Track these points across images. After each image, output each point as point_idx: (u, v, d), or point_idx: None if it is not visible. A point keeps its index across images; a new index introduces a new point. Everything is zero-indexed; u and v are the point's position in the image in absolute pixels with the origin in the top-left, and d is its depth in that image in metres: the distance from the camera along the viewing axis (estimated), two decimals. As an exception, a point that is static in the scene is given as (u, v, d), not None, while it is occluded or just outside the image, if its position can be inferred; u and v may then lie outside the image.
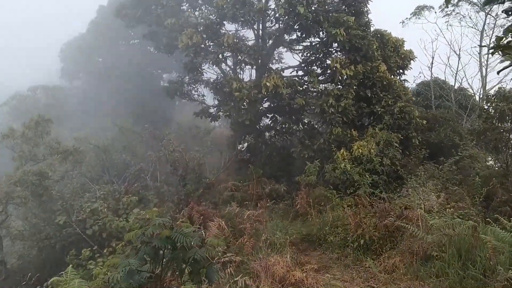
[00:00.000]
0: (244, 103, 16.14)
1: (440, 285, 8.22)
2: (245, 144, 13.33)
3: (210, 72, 20.85)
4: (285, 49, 21.91)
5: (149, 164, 17.78)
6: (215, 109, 19.35)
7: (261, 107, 18.77)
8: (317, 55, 18.35)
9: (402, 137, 16.90)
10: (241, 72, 18.58)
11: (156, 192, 14.00)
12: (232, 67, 19.77)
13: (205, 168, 16.54)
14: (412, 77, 26.27)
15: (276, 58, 23.95)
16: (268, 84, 15.66)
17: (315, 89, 17.62)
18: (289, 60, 23.02)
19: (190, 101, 21.90)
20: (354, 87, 17.35)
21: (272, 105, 18.91)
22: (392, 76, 18.47)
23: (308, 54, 18.67)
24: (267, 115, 19.33)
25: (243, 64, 18.34)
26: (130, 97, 30.82)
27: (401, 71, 19.99)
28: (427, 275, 8.73)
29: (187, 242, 4.76)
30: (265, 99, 17.25)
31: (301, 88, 17.61)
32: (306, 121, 18.78)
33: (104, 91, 33.97)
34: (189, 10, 20.92)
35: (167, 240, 4.77)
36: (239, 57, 17.83)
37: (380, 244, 10.87)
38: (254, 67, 18.76)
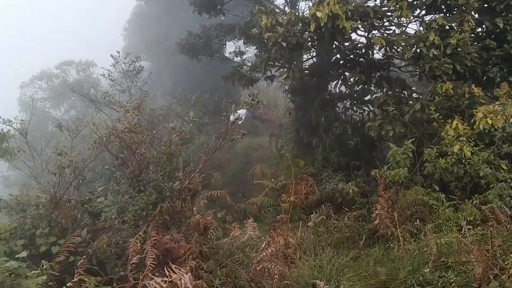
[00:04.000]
0: (283, 51, 9.84)
1: None
2: (239, 113, 7.18)
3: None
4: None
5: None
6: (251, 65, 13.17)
7: (310, 54, 12.30)
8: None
9: None
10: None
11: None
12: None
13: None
14: None
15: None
16: (319, 14, 9.18)
17: (404, 22, 10.69)
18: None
19: (222, 61, 15.83)
20: (474, 14, 10.11)
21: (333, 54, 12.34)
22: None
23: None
24: (332, 72, 12.68)
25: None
26: (188, 74, 26.12)
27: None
28: None
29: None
30: (311, 42, 10.56)
31: (379, 23, 10.71)
32: (391, 77, 11.81)
33: (165, 70, 29.78)
34: None
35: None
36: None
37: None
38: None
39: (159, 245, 6.32)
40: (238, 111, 7.32)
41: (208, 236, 7.93)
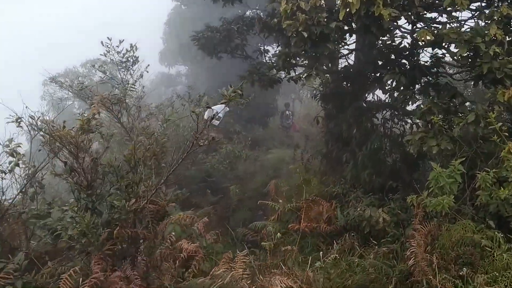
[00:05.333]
0: (304, 44, 7.94)
1: None
2: (215, 110, 5.36)
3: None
4: None
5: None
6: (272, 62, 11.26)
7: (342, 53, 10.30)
8: None
9: None
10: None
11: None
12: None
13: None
14: None
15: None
16: (350, -1, 7.31)
17: (457, 13, 8.59)
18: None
19: (243, 59, 14.00)
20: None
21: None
22: None
23: None
24: (369, 75, 10.67)
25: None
26: (222, 78, 24.74)
27: None
28: None
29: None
30: (340, 33, 8.58)
31: (425, 13, 8.65)
32: (440, 83, 9.69)
33: (201, 74, 28.66)
34: None
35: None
36: None
37: None
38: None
39: (104, 286, 4.70)
40: (213, 107, 5.61)
41: (190, 270, 6.33)
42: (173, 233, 6.35)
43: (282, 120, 24.34)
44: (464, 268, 6.68)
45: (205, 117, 5.25)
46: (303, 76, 8.55)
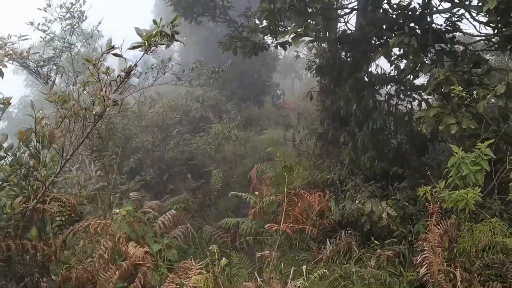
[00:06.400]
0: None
1: None
2: (135, 63, 3.67)
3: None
4: None
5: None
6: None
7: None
8: None
9: None
10: None
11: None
12: None
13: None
14: None
15: None
16: None
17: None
18: None
19: (228, 24, 12.01)
20: None
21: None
22: None
23: None
24: (373, 41, 8.94)
25: None
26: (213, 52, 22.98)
27: None
28: None
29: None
30: None
31: None
32: (455, 49, 7.96)
33: (195, 49, 26.75)
34: None
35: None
36: None
37: None
38: None
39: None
40: (125, 56, 3.83)
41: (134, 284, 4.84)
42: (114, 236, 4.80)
43: (274, 99, 22.97)
44: (491, 283, 5.18)
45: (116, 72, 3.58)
46: (290, 37, 6.86)
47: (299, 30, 6.52)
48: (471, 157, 5.61)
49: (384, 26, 8.72)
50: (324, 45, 11.40)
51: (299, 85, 33.73)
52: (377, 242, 6.62)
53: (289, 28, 7.85)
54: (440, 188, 5.77)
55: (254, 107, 24.24)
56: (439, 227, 6.05)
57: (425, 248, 5.71)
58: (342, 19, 10.45)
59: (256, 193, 7.01)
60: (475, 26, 8.76)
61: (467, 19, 8.36)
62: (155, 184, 12.37)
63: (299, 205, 6.72)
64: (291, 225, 5.43)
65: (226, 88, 23.40)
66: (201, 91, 21.15)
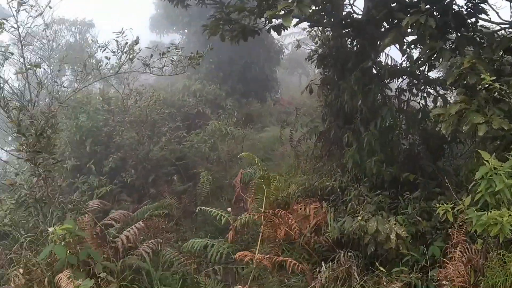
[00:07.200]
0: None
1: None
2: None
3: None
4: None
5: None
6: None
7: None
8: None
9: None
10: None
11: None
12: None
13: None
14: None
15: None
16: None
17: None
18: None
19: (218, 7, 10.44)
20: None
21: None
22: None
23: None
24: (378, 19, 7.57)
25: None
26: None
27: None
28: None
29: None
30: None
31: None
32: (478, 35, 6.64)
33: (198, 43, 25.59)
34: None
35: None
36: None
37: None
38: None
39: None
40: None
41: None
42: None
43: (271, 94, 22.05)
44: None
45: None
46: (280, 14, 5.59)
47: (290, 3, 5.26)
48: (506, 167, 4.34)
49: (396, 6, 7.41)
50: (328, 33, 10.14)
51: (306, 82, 32.52)
52: (382, 269, 5.35)
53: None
54: (464, 206, 4.50)
55: (257, 103, 23.09)
56: (461, 254, 4.80)
57: (444, 282, 4.47)
58: (347, 2, 9.15)
59: (229, 209, 5.76)
60: (497, 13, 7.45)
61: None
62: (139, 186, 11.22)
63: (281, 228, 5.44)
64: (269, 255, 4.18)
65: (226, 83, 22.17)
66: (199, 85, 19.99)
